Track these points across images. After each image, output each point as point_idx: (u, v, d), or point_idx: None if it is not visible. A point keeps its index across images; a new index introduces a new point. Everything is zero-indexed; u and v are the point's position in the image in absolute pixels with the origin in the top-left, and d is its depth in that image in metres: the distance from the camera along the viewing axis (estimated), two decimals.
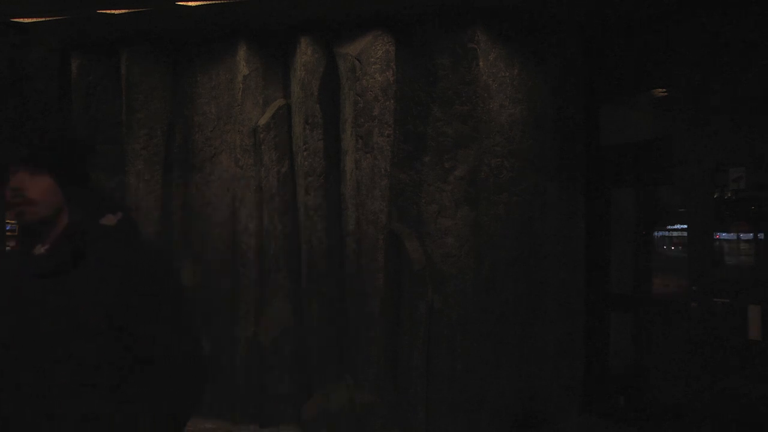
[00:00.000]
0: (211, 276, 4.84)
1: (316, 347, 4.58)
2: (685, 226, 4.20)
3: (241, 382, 4.69)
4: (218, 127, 4.85)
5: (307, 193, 4.58)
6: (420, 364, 4.22)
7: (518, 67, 4.37)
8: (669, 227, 5.51)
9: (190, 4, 4.14)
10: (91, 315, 1.39)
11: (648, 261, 5.06)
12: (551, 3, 4.11)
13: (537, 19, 4.35)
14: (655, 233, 5.36)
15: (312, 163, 4.58)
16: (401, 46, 4.38)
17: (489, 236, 4.25)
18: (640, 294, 4.92)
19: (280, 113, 4.73)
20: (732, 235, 3.89)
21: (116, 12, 4.29)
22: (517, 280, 4.38)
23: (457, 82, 4.17)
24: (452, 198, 4.19)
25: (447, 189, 4.21)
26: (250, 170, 4.70)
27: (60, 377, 1.38)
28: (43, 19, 4.44)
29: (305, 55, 4.53)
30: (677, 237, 5.36)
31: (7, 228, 4.32)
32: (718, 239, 3.93)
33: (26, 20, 4.47)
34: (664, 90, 4.54)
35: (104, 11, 4.29)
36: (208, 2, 4.13)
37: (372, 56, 4.31)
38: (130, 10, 4.27)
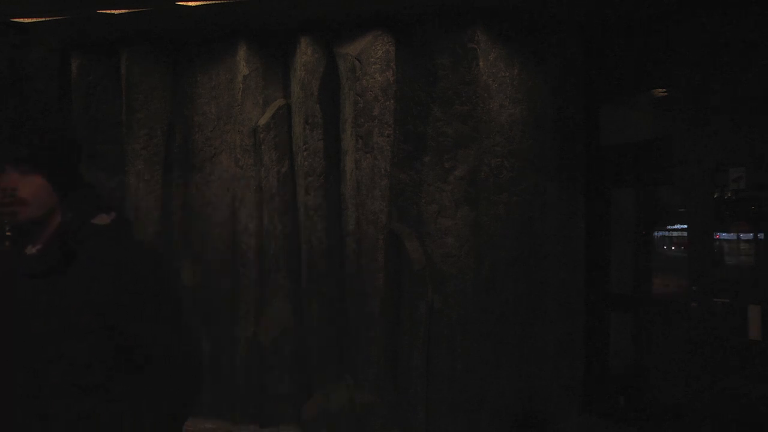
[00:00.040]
0: (211, 276, 4.84)
1: (316, 347, 4.58)
2: (685, 226, 4.19)
3: (241, 382, 4.69)
4: (218, 127, 4.85)
5: (307, 193, 4.58)
6: (420, 364, 4.22)
7: (518, 67, 4.37)
8: (669, 227, 5.51)
9: (190, 4, 4.14)
10: (83, 315, 1.38)
11: (648, 261, 5.06)
12: (551, 3, 4.11)
13: (537, 19, 4.35)
14: (655, 233, 5.35)
15: (312, 163, 4.58)
16: (401, 46, 4.38)
17: (489, 236, 4.25)
18: (640, 294, 4.92)
19: (280, 113, 4.73)
20: (732, 235, 3.89)
21: (116, 12, 4.29)
22: (517, 280, 4.38)
23: (457, 82, 4.17)
24: (452, 198, 4.19)
25: (447, 189, 4.21)
26: (250, 170, 4.70)
27: (52, 377, 1.37)
28: (43, 19, 4.44)
29: (305, 55, 4.53)
30: (677, 237, 5.36)
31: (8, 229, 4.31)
32: (718, 239, 3.93)
33: (26, 20, 4.47)
34: (664, 90, 4.54)
35: (104, 11, 4.29)
36: (208, 2, 4.13)
37: (372, 56, 4.31)
38: (130, 10, 4.27)
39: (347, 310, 4.46)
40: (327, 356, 4.57)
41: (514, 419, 4.40)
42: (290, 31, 4.59)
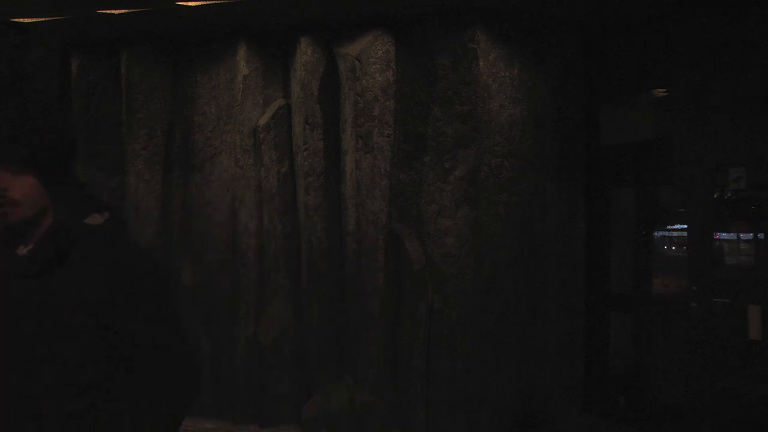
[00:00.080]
0: (211, 276, 4.84)
1: (316, 347, 4.58)
2: (685, 226, 4.19)
3: (241, 382, 4.69)
4: (218, 127, 4.85)
5: (307, 193, 4.58)
6: (420, 364, 4.22)
7: (518, 67, 4.37)
8: (669, 227, 5.52)
9: (190, 4, 4.14)
10: (76, 315, 1.38)
11: (648, 261, 5.06)
12: (551, 3, 4.11)
13: (537, 19, 4.35)
14: (655, 233, 5.36)
15: (312, 163, 4.58)
16: (401, 46, 4.38)
17: (489, 236, 4.25)
18: (640, 294, 4.92)
19: (280, 113, 4.73)
20: (732, 235, 3.89)
21: (116, 12, 4.29)
22: (517, 280, 4.38)
23: (457, 82, 4.17)
24: (452, 198, 4.19)
25: (447, 189, 4.21)
26: (250, 170, 4.70)
27: (44, 377, 1.37)
28: (43, 19, 4.44)
29: (305, 55, 4.53)
30: (677, 237, 5.36)
31: None
32: (718, 239, 3.93)
33: (26, 20, 4.47)
34: (664, 90, 4.54)
35: (104, 11, 4.29)
36: (208, 2, 4.13)
37: (372, 56, 4.31)
38: (130, 10, 4.27)
39: (347, 310, 4.46)
40: (327, 356, 4.57)
41: (514, 419, 4.40)
42: (290, 31, 4.58)
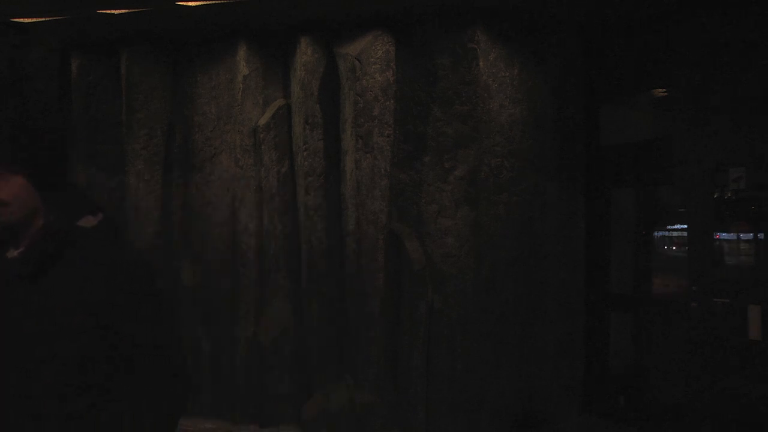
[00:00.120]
0: (211, 276, 4.84)
1: (316, 347, 4.58)
2: (685, 226, 4.19)
3: (241, 382, 4.69)
4: (218, 127, 4.85)
5: (307, 193, 4.58)
6: (420, 364, 4.22)
7: (518, 67, 4.37)
8: (669, 227, 5.51)
9: (190, 4, 4.14)
10: (67, 318, 1.37)
11: (648, 261, 5.06)
12: (551, 3, 4.11)
13: (537, 19, 4.35)
14: (655, 233, 5.36)
15: (312, 163, 4.58)
16: (401, 46, 4.38)
17: (489, 236, 4.25)
18: (640, 294, 4.92)
19: (280, 113, 4.73)
20: (732, 235, 3.89)
21: (116, 12, 4.29)
22: (517, 280, 4.38)
23: (457, 82, 4.17)
24: (452, 198, 4.19)
25: (447, 189, 4.21)
26: (250, 170, 4.70)
27: (45, 378, 1.37)
28: (43, 19, 4.44)
29: (305, 55, 4.53)
30: (677, 237, 5.36)
31: None
32: (718, 239, 3.93)
33: (26, 20, 4.47)
34: (664, 90, 4.54)
35: (104, 11, 4.29)
36: (208, 2, 4.13)
37: (372, 56, 4.31)
38: (130, 10, 4.27)
39: (347, 310, 4.46)
40: (327, 356, 4.57)
41: (514, 419, 4.40)
42: (290, 31, 4.58)
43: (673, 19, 4.15)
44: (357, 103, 4.32)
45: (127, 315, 1.42)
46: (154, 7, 4.22)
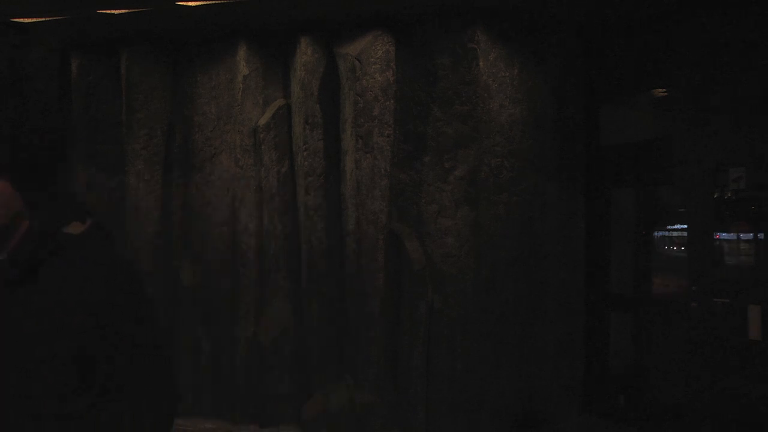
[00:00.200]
0: (211, 276, 4.84)
1: (316, 347, 4.58)
2: (685, 226, 4.19)
3: (241, 382, 4.69)
4: (218, 127, 4.85)
5: (307, 193, 4.58)
6: (420, 364, 4.22)
7: (518, 67, 4.37)
8: (669, 227, 5.51)
9: (190, 4, 4.14)
10: (67, 318, 1.37)
11: (648, 261, 5.06)
12: (551, 3, 4.11)
13: (537, 19, 4.35)
14: (655, 233, 5.35)
15: (312, 163, 4.58)
16: (401, 46, 4.38)
17: (489, 236, 4.25)
18: (640, 294, 4.92)
19: (280, 113, 4.73)
20: (732, 235, 3.89)
21: (116, 12, 4.29)
22: (517, 280, 4.38)
23: (457, 82, 4.17)
24: (452, 198, 4.19)
25: (447, 189, 4.21)
26: (250, 170, 4.70)
27: (45, 378, 1.37)
28: (43, 19, 4.44)
29: (305, 55, 4.53)
30: (677, 237, 5.36)
31: None
32: (718, 239, 3.93)
33: (26, 20, 4.47)
34: (664, 90, 4.54)
35: (104, 11, 4.29)
36: (208, 2, 4.13)
37: (372, 56, 4.31)
38: (130, 10, 4.27)
39: (347, 310, 4.46)
40: (327, 356, 4.57)
41: (514, 419, 4.40)
42: (290, 31, 4.58)
43: (673, 19, 4.15)
44: (357, 103, 4.32)
45: (127, 315, 1.42)
46: (154, 7, 4.22)
